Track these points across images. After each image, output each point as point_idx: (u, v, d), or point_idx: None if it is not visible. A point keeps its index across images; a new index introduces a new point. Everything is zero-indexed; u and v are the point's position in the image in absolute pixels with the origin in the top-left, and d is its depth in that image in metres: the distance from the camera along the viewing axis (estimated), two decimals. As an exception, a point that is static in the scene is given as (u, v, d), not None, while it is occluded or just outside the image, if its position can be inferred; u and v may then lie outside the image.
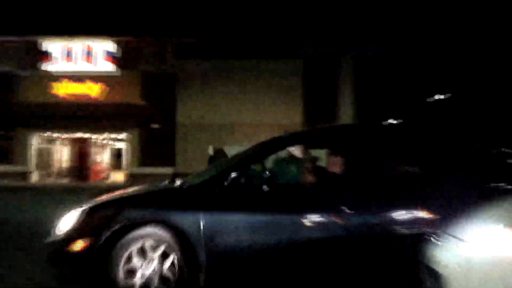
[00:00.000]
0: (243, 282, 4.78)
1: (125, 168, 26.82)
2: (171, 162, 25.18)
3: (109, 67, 25.92)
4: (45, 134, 27.33)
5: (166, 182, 5.40)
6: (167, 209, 4.66)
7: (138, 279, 4.58)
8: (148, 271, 4.59)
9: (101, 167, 29.56)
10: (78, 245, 4.60)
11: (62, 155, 29.00)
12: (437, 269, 3.53)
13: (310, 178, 5.41)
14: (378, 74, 23.71)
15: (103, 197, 5.22)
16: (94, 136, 28.20)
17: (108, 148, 29.95)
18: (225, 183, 4.66)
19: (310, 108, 24.25)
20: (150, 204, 4.78)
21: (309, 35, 24.78)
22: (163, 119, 25.68)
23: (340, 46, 24.28)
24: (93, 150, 28.97)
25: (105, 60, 25.96)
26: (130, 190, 5.54)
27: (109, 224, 4.58)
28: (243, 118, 24.99)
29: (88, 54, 25.99)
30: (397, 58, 23.10)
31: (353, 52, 24.29)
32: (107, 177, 28.74)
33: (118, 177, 27.29)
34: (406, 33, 23.82)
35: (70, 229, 4.71)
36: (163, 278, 4.60)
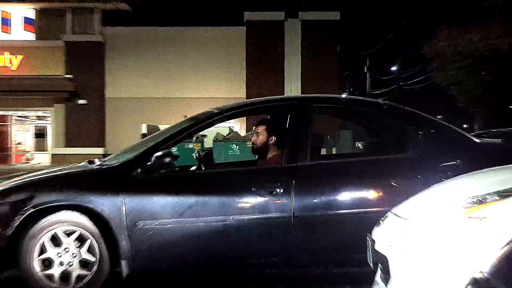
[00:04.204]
0: (170, 269, 4.82)
1: (50, 149, 26.11)
2: (100, 142, 24.64)
3: (29, 36, 25.17)
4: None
5: (85, 163, 5.29)
6: (83, 193, 4.58)
7: (56, 269, 4.54)
8: (66, 258, 4.54)
9: (24, 148, 28.68)
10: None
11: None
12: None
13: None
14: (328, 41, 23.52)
15: (13, 180, 5.04)
16: (14, 114, 27.26)
17: (31, 126, 29.09)
18: (148, 163, 4.59)
19: (255, 79, 23.92)
20: (64, 187, 4.68)
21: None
22: (91, 94, 24.95)
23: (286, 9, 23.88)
24: (14, 128, 28.13)
25: (24, 28, 25.09)
26: (43, 172, 5.37)
27: (18, 211, 4.50)
28: (181, 92, 24.51)
29: (4, 22, 25.04)
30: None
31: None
32: (31, 159, 27.91)
33: (43, 158, 26.56)
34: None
35: None
36: (84, 263, 4.58)
